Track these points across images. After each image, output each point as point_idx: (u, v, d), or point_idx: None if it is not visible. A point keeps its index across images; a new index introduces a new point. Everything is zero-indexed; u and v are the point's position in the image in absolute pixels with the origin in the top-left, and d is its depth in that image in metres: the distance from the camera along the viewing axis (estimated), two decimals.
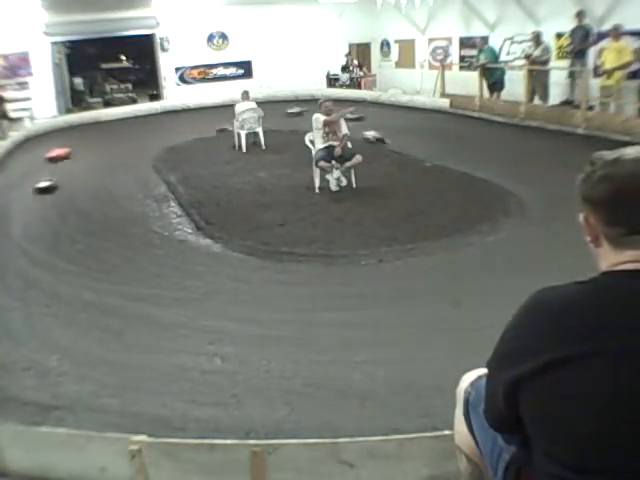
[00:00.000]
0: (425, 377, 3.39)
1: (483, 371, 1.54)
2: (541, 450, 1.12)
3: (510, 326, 1.18)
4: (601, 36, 10.54)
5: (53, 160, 10.17)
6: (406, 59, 17.04)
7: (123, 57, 19.32)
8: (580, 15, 10.45)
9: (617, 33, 9.81)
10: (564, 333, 1.08)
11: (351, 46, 17.85)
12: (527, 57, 11.67)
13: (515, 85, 11.83)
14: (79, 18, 14.28)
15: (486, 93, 12.62)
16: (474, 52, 13.37)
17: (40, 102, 14.42)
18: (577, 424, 1.05)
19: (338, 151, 7.47)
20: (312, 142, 7.79)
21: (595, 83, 10.22)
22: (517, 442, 1.26)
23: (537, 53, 11.33)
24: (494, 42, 13.34)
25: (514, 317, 1.18)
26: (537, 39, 11.42)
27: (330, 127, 7.58)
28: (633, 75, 9.62)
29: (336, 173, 7.49)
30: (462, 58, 14.86)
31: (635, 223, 1.11)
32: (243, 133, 10.39)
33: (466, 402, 1.53)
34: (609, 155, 1.16)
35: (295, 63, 16.58)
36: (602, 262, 1.18)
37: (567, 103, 10.86)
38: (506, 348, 1.18)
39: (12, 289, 5.05)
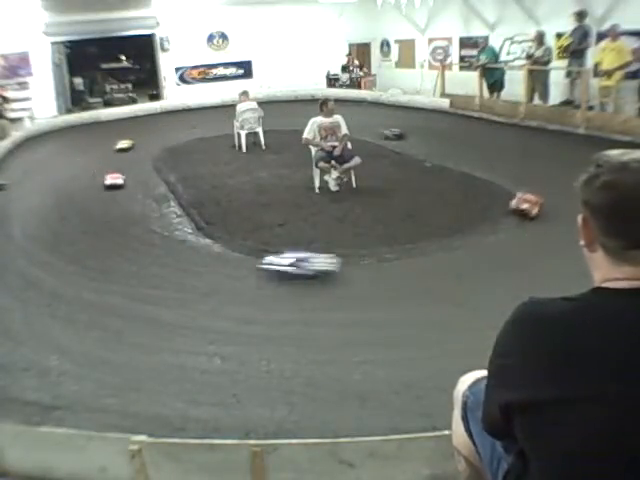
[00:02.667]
0: (425, 377, 3.39)
1: (481, 373, 1.51)
2: (535, 469, 1.09)
3: (499, 340, 1.14)
4: (601, 36, 10.54)
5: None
6: (406, 59, 17.03)
7: (123, 57, 19.30)
8: (580, 15, 10.44)
9: (615, 33, 9.81)
10: (551, 363, 1.03)
11: (351, 46, 17.83)
12: (529, 57, 11.67)
13: (515, 85, 11.83)
14: (79, 18, 14.26)
15: (486, 93, 12.62)
16: (474, 52, 13.36)
17: (40, 102, 14.40)
18: (566, 460, 1.01)
19: (338, 151, 7.48)
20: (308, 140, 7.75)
21: (595, 83, 10.22)
22: (514, 452, 1.23)
23: (539, 53, 11.32)
24: (494, 42, 13.33)
25: (502, 330, 1.14)
26: (540, 39, 11.40)
27: (327, 130, 7.61)
28: (633, 75, 9.61)
29: (334, 173, 7.50)
30: (462, 58, 14.85)
31: (635, 238, 1.04)
32: (243, 133, 10.39)
33: (464, 405, 1.51)
34: (616, 157, 1.08)
35: (295, 63, 16.56)
36: (595, 271, 1.12)
37: (567, 103, 10.86)
38: (497, 364, 1.15)
39: (12, 289, 5.05)
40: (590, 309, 1.05)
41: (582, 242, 1.13)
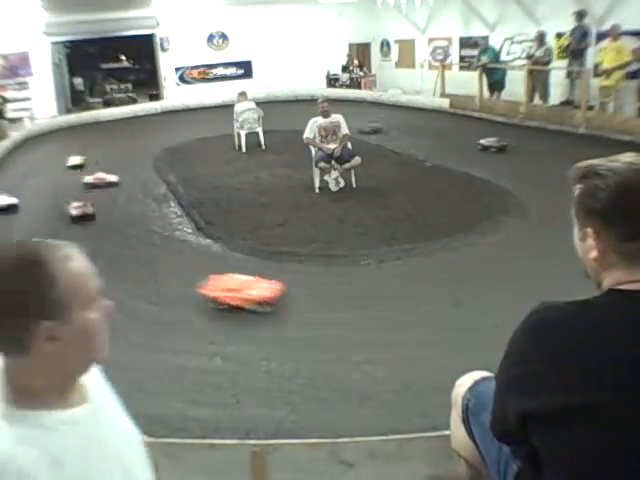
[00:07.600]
0: (425, 377, 3.39)
1: (479, 374, 1.51)
2: (552, 476, 1.07)
3: (512, 346, 1.11)
4: (601, 36, 10.54)
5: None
6: (406, 59, 17.03)
7: (123, 57, 19.31)
8: (579, 15, 10.44)
9: (616, 33, 9.82)
10: (573, 370, 1.00)
11: (351, 46, 17.83)
12: (529, 57, 11.66)
13: (515, 85, 11.83)
14: (79, 18, 14.26)
15: (486, 93, 12.61)
16: (474, 52, 13.36)
17: (40, 102, 14.39)
18: (587, 468, 0.99)
19: (338, 151, 7.49)
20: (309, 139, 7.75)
21: (595, 83, 10.23)
22: (523, 456, 1.20)
23: (539, 54, 11.32)
24: (494, 42, 13.33)
25: (516, 337, 1.11)
26: (541, 39, 11.40)
27: (327, 130, 7.62)
28: (633, 75, 9.61)
29: (334, 174, 7.51)
30: (462, 58, 14.85)
31: None
32: (243, 133, 10.39)
33: (465, 408, 1.48)
34: (610, 164, 1.07)
35: (295, 63, 16.56)
36: (608, 279, 1.08)
37: (567, 103, 10.86)
38: (511, 372, 1.12)
39: None
40: (609, 313, 1.03)
41: (593, 254, 1.09)
